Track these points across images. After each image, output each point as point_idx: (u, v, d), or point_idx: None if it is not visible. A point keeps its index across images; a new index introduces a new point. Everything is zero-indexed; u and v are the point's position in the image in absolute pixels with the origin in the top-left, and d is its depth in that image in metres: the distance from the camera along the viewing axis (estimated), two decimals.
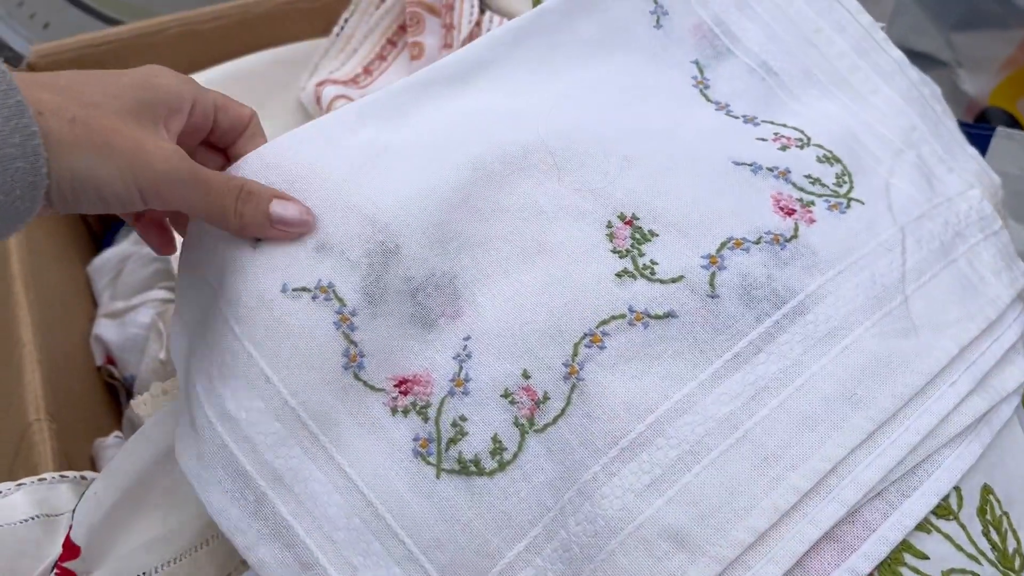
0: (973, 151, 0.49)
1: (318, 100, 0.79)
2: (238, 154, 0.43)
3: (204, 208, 0.38)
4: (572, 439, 0.38)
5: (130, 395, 0.73)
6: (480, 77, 0.46)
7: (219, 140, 0.43)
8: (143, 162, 0.35)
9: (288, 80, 0.82)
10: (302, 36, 0.84)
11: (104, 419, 0.69)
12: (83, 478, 0.49)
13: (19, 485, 0.47)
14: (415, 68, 0.81)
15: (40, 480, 0.47)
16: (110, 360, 0.73)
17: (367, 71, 0.83)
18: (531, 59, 0.46)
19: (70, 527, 0.42)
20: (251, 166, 0.41)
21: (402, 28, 0.83)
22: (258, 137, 0.44)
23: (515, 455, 0.38)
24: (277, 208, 0.39)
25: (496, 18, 0.80)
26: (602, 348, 0.39)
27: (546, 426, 0.38)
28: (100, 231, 0.86)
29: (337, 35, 0.83)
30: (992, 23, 0.75)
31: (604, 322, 0.40)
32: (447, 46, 0.79)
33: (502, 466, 0.38)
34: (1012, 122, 0.72)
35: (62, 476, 0.48)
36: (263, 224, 0.39)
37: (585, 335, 0.39)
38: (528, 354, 0.39)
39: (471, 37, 0.80)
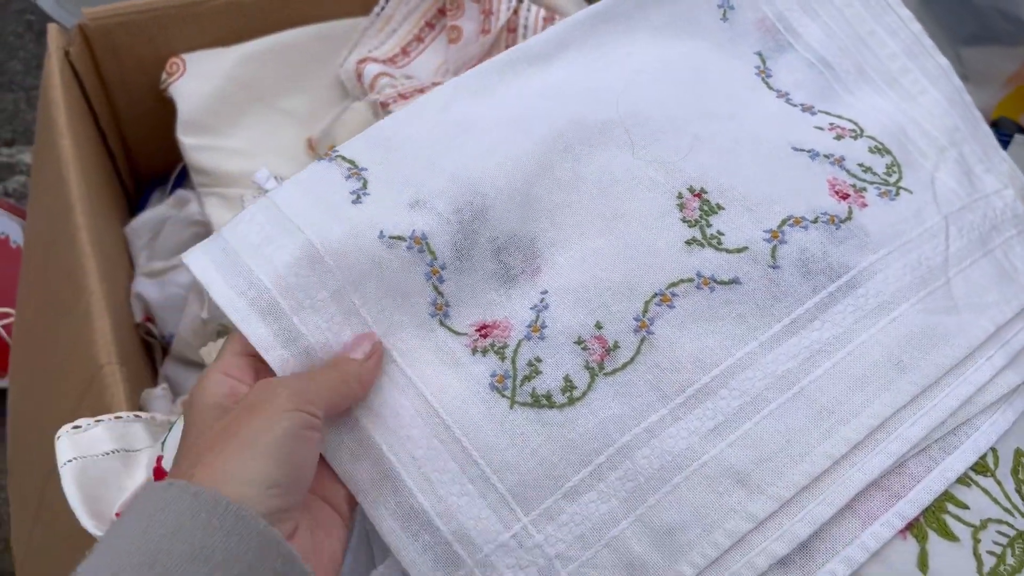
0: (1005, 155, 0.53)
1: (359, 77, 0.82)
2: None
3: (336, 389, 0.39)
4: (640, 383, 0.41)
5: (166, 353, 0.76)
6: (560, 57, 0.49)
7: None
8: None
9: (328, 56, 0.85)
10: (343, 14, 0.86)
11: (143, 373, 0.71)
12: (153, 419, 0.52)
13: (98, 421, 0.49)
14: (452, 51, 0.83)
15: (116, 418, 0.50)
16: (148, 318, 0.75)
17: (405, 52, 0.86)
18: (607, 41, 0.50)
19: (159, 457, 0.45)
20: (358, 145, 0.45)
21: (441, 11, 0.86)
22: None
23: (584, 393, 0.41)
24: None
25: (534, 7, 0.83)
26: (671, 307, 0.43)
27: (615, 371, 0.42)
28: (135, 194, 0.88)
29: (377, 15, 0.86)
30: (1000, 39, 0.79)
31: (674, 284, 0.43)
32: (484, 31, 0.82)
33: (571, 401, 0.41)
34: (1021, 132, 0.76)
35: (136, 416, 0.50)
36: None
37: (655, 294, 0.43)
38: (602, 308, 0.43)
39: (509, 24, 0.83)
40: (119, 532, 0.32)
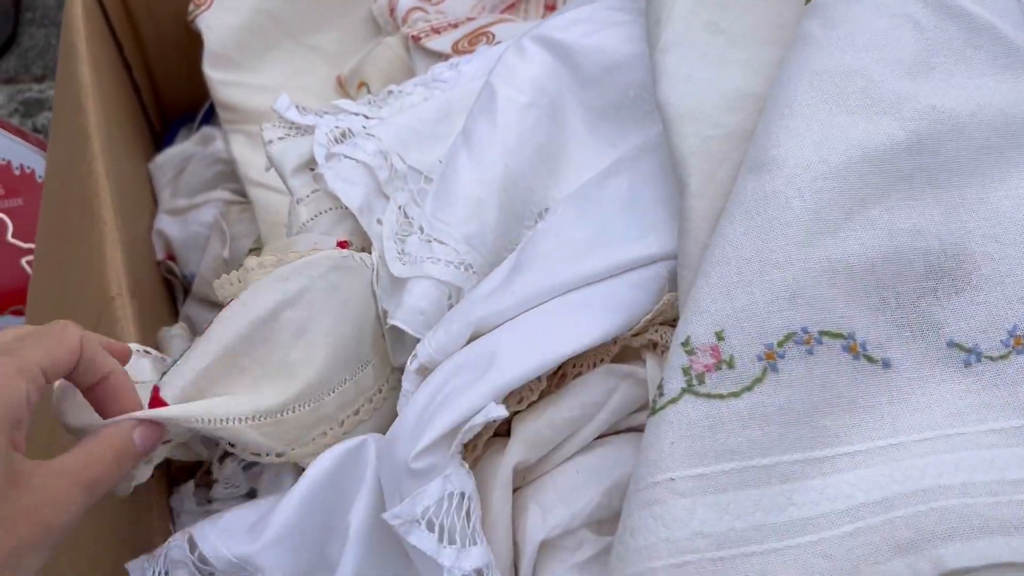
0: None
1: (391, 12, 0.78)
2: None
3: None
4: None
5: (187, 292, 0.74)
6: None
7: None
8: None
9: None
10: None
11: (161, 310, 0.69)
12: (163, 360, 0.49)
13: None
14: None
15: None
16: (170, 256, 0.73)
17: None
18: None
19: (155, 387, 0.42)
20: None
21: None
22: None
23: None
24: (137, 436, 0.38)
25: None
26: None
27: None
28: (161, 130, 0.86)
29: None
30: None
31: None
32: None
33: None
34: None
35: (146, 351, 0.48)
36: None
37: None
38: None
39: None
40: None
